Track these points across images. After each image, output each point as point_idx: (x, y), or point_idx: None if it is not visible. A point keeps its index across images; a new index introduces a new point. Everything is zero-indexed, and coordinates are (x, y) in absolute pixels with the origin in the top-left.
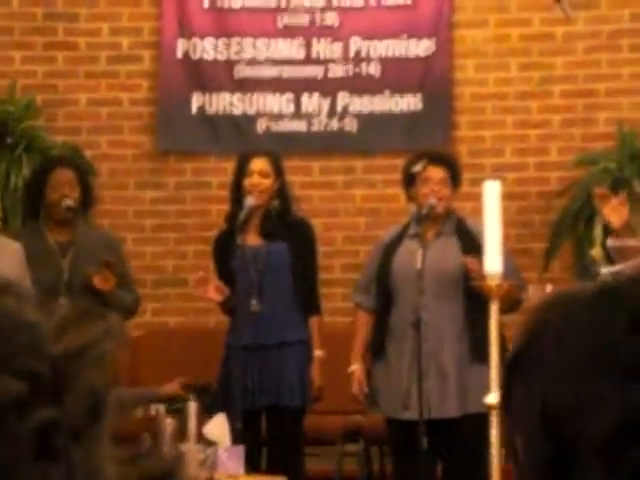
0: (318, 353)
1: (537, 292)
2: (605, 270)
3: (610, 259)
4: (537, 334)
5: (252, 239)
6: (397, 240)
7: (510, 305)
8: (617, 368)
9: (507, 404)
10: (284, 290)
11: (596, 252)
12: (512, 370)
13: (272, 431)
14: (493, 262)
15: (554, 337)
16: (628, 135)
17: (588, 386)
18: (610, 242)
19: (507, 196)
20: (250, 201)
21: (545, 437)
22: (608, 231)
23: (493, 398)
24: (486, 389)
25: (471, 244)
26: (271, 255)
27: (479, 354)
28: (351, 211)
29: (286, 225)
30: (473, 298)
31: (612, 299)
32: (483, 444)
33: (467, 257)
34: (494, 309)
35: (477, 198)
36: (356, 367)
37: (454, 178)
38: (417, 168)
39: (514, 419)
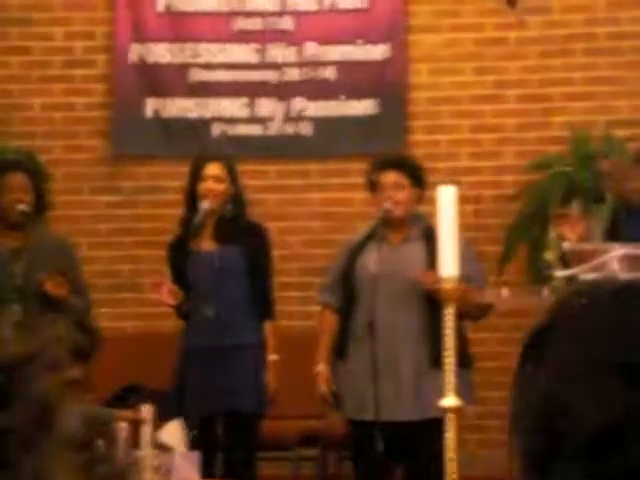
0: (273, 357)
1: (492, 296)
2: (560, 273)
3: (565, 262)
4: (549, 325)
5: (206, 244)
6: (363, 242)
7: (480, 310)
8: (614, 372)
9: (521, 380)
10: (238, 294)
11: (550, 255)
12: (520, 361)
13: (228, 436)
14: (449, 267)
15: (563, 333)
16: (582, 139)
17: (583, 386)
18: (566, 246)
19: (462, 200)
20: (205, 206)
21: (540, 430)
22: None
23: (449, 401)
24: (443, 393)
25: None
26: (225, 259)
27: (438, 359)
28: (307, 215)
29: (240, 229)
30: (433, 303)
31: (627, 302)
32: (439, 447)
33: (427, 272)
34: (450, 313)
35: (432, 202)
36: (322, 367)
37: (416, 181)
38: (373, 176)
39: (515, 407)
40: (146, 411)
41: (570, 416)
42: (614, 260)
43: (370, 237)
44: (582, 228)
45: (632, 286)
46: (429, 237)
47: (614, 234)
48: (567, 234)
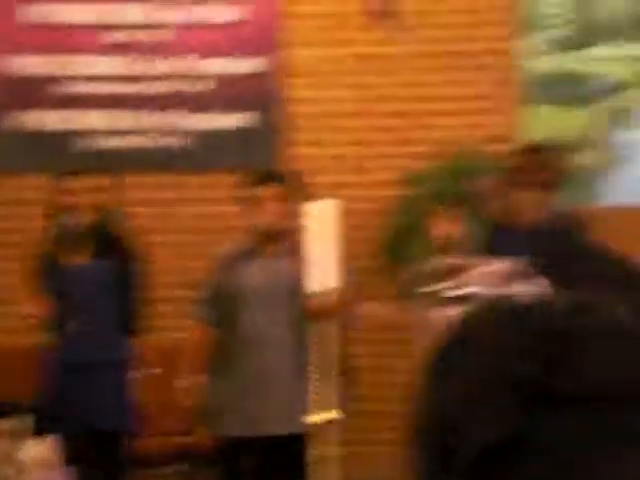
0: (145, 373)
1: (369, 310)
2: (434, 287)
3: (438, 276)
4: (449, 347)
5: (77, 257)
6: (238, 256)
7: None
8: (502, 392)
9: (422, 394)
10: (108, 309)
11: (425, 269)
12: (423, 379)
13: (96, 454)
14: (327, 280)
15: (466, 349)
16: (455, 154)
17: (477, 403)
18: (438, 260)
19: (342, 213)
20: (72, 219)
21: (434, 446)
22: (437, 249)
23: (323, 416)
24: (314, 406)
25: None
26: (96, 273)
27: (308, 372)
28: (181, 228)
29: (112, 243)
30: (308, 315)
31: (521, 321)
32: (310, 462)
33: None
34: (324, 327)
35: (311, 215)
36: (184, 380)
37: (292, 195)
38: (250, 188)
39: (416, 422)
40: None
41: (461, 433)
42: (485, 274)
43: (246, 250)
44: (453, 228)
45: (536, 306)
46: (304, 250)
47: (486, 249)
48: (437, 231)
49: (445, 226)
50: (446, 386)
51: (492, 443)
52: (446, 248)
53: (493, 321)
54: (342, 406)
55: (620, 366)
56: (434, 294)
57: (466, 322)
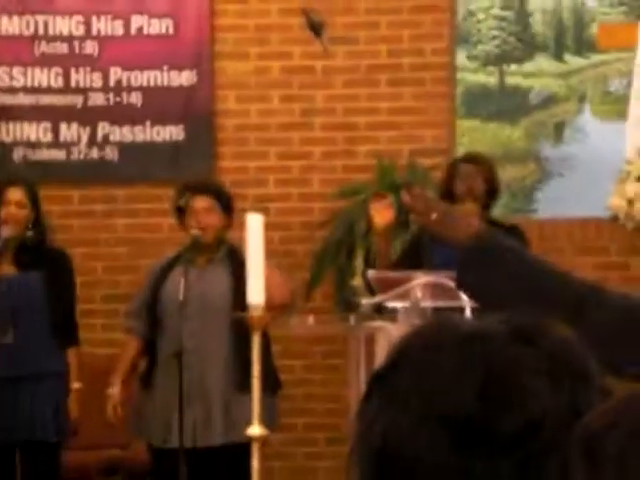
0: (76, 385)
1: (299, 323)
2: (365, 301)
3: (371, 289)
4: (395, 366)
5: (6, 269)
6: (168, 267)
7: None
8: (445, 430)
9: (357, 422)
10: (40, 321)
11: (357, 282)
12: (366, 393)
13: (26, 468)
14: (256, 294)
15: (412, 370)
16: (387, 167)
17: (416, 435)
18: (371, 273)
19: (270, 226)
20: (5, 231)
21: (376, 466)
22: (369, 262)
23: (255, 430)
24: (251, 418)
25: (242, 272)
26: (26, 285)
27: (245, 383)
28: (112, 241)
29: (42, 255)
30: (241, 327)
31: (472, 352)
32: (247, 474)
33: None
34: (257, 340)
35: (241, 228)
36: (114, 390)
37: (224, 206)
38: (182, 201)
39: (356, 438)
40: None
41: (400, 461)
42: (418, 288)
43: (176, 262)
44: (391, 216)
45: (476, 334)
46: (233, 259)
47: (417, 261)
48: (375, 216)
49: (384, 210)
50: (386, 411)
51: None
52: (382, 232)
53: (435, 347)
54: (272, 420)
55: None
56: (369, 307)
57: (407, 344)
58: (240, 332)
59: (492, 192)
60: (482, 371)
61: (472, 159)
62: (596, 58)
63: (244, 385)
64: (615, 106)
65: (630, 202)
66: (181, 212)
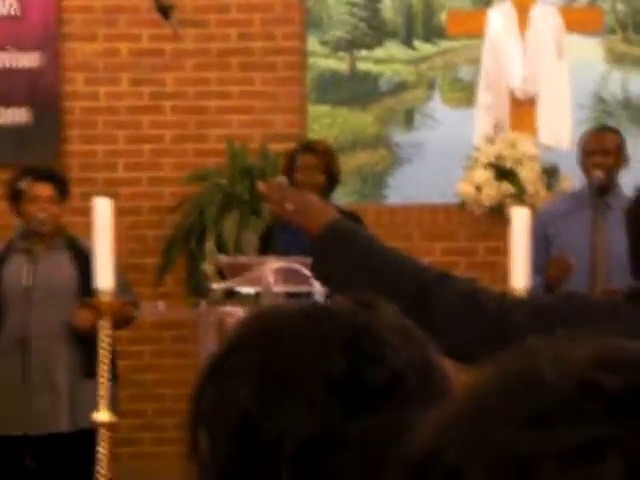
0: None
1: (150, 308)
2: (216, 285)
3: (222, 274)
4: (242, 344)
5: None
6: (3, 256)
7: (123, 321)
8: (310, 387)
9: (197, 403)
10: None
11: (208, 267)
12: (209, 374)
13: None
14: (104, 279)
15: (259, 348)
16: (238, 152)
17: (288, 402)
18: (221, 258)
19: (119, 211)
20: None
21: (237, 442)
22: (220, 247)
23: (102, 416)
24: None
25: (83, 260)
26: None
27: (90, 369)
28: None
29: None
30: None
31: (325, 319)
32: (92, 460)
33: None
34: (105, 326)
35: (89, 213)
36: None
37: (62, 194)
38: (23, 185)
39: (202, 419)
40: None
41: (268, 431)
42: (269, 273)
43: (16, 248)
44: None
45: (320, 309)
46: (73, 246)
47: (268, 247)
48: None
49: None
50: (242, 385)
51: (305, 437)
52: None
53: (277, 328)
54: (114, 406)
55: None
56: (221, 292)
57: (244, 331)
58: (88, 319)
59: (331, 182)
60: (339, 334)
61: (311, 149)
62: (445, 45)
63: (90, 370)
64: (464, 93)
65: (478, 188)
66: (17, 197)
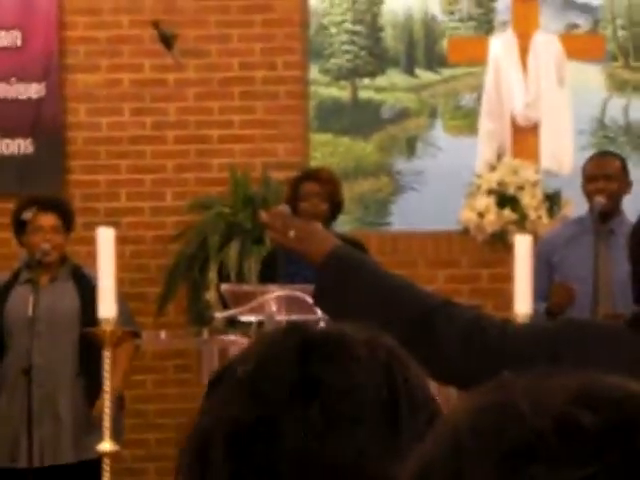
0: None
1: (152, 338)
2: (218, 314)
3: (224, 303)
4: (233, 363)
5: None
6: (9, 286)
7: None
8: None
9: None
10: None
11: (210, 296)
12: (209, 389)
13: None
14: (107, 308)
15: (239, 377)
16: (240, 180)
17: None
18: (224, 286)
19: (122, 240)
20: None
21: (195, 464)
22: (222, 276)
23: (106, 445)
24: (101, 435)
25: (88, 290)
26: None
27: (94, 399)
28: None
29: None
30: (88, 343)
31: (286, 335)
32: None
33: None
34: (108, 355)
35: (91, 242)
36: None
37: (66, 224)
38: (27, 215)
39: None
40: None
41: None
42: (272, 302)
43: (20, 278)
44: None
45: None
46: (77, 276)
47: (270, 274)
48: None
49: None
50: (211, 406)
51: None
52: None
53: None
54: (120, 436)
55: None
56: (222, 320)
57: (225, 368)
58: (89, 348)
59: (335, 210)
60: (301, 340)
61: (314, 177)
62: (447, 72)
63: (94, 401)
64: (466, 120)
65: (480, 215)
66: (21, 227)
